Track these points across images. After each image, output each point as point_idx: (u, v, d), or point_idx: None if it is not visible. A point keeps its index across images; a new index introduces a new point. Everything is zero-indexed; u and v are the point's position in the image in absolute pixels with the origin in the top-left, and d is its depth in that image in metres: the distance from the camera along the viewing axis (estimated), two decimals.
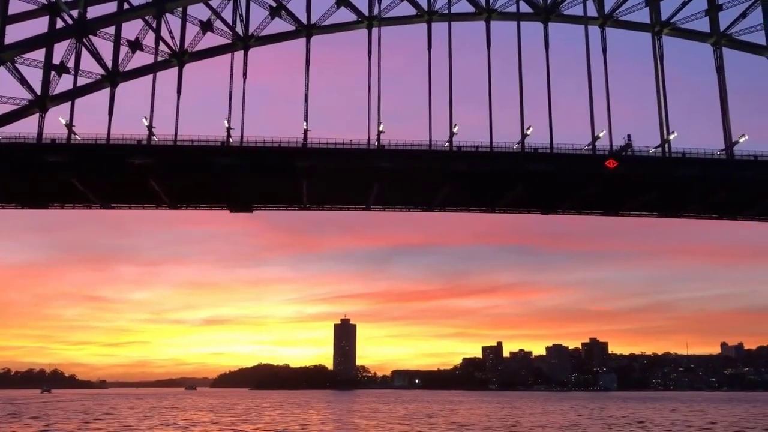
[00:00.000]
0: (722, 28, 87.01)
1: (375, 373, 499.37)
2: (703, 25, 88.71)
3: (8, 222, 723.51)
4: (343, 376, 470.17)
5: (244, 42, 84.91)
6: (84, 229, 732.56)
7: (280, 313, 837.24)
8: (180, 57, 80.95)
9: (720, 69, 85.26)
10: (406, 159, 76.45)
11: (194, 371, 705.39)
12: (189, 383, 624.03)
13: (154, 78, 78.46)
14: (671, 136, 76.71)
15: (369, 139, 76.57)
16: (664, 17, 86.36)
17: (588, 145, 76.93)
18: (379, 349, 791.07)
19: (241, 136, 75.43)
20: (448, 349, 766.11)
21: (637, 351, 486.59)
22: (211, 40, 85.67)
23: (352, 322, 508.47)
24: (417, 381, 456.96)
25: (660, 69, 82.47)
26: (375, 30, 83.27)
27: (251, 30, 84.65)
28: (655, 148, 79.00)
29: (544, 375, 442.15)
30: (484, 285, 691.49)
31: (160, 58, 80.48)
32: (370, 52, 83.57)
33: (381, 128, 76.37)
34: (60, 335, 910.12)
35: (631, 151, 77.48)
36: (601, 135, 75.89)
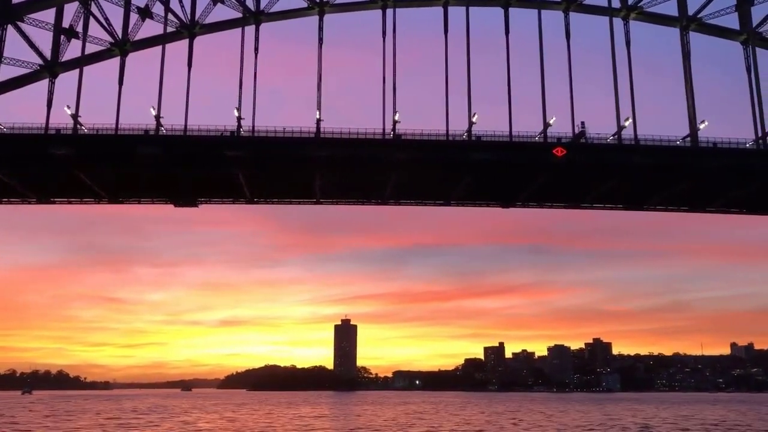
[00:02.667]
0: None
1: (376, 374, 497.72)
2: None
3: (27, 223, 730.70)
4: (344, 377, 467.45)
5: (189, 30, 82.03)
6: (101, 230, 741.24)
7: (295, 314, 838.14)
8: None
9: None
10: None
11: (209, 372, 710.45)
12: (200, 384, 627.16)
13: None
14: (626, 122, 72.26)
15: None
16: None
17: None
18: (388, 350, 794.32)
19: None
20: (458, 349, 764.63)
21: (645, 351, 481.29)
22: (153, 28, 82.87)
23: (353, 322, 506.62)
24: (417, 382, 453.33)
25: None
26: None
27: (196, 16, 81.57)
28: (612, 136, 74.66)
29: (545, 376, 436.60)
30: (497, 285, 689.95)
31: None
32: (321, 40, 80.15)
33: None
34: (78, 336, 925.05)
35: (585, 139, 73.24)
36: (551, 122, 71.75)
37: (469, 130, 72.73)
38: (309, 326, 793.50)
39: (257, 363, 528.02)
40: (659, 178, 75.60)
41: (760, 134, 76.19)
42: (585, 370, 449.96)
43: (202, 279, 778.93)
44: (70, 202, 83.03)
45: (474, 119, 71.48)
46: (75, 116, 70.07)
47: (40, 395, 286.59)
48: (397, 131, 71.45)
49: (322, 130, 71.72)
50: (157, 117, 69.94)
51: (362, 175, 75.13)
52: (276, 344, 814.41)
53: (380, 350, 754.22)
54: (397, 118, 71.93)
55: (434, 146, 71.83)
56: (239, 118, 70.47)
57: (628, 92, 76.29)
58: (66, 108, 69.85)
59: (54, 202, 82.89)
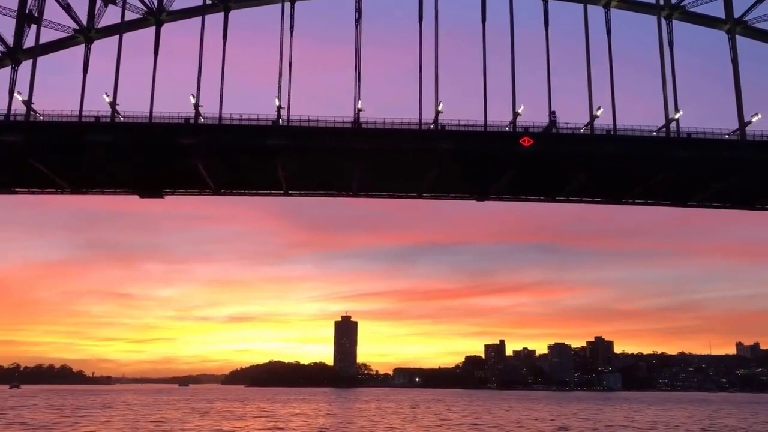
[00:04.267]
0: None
1: (377, 371, 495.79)
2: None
3: (38, 219, 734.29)
4: (343, 373, 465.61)
5: (155, 17, 79.81)
6: (112, 226, 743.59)
7: (304, 310, 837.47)
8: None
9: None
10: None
11: (217, 368, 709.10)
12: (207, 380, 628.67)
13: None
14: (598, 111, 69.36)
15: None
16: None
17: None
18: (394, 347, 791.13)
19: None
20: (462, 347, 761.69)
21: (651, 351, 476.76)
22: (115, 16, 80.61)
23: (353, 319, 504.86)
24: (417, 379, 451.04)
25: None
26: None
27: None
28: (585, 126, 71.82)
29: (545, 374, 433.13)
30: (505, 284, 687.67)
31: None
32: (292, 27, 77.64)
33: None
34: (88, 331, 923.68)
35: (556, 129, 70.45)
36: (520, 110, 69.01)
37: (435, 120, 70.21)
38: (317, 323, 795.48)
39: (264, 359, 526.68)
40: (634, 170, 72.87)
41: (743, 126, 73.46)
42: (586, 369, 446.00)
43: (211, 275, 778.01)
44: (31, 192, 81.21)
45: (440, 108, 68.94)
46: (27, 103, 67.99)
47: (28, 389, 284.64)
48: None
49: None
50: (113, 104, 67.74)
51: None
52: (284, 341, 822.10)
53: (386, 347, 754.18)
54: (360, 105, 69.53)
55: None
56: (197, 105, 68.12)
57: (603, 82, 73.86)
58: (17, 94, 67.77)
59: (16, 192, 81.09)
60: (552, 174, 74.41)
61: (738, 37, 77.96)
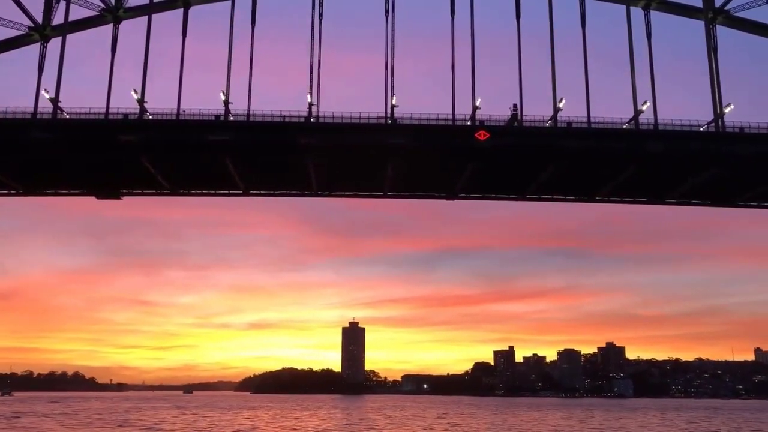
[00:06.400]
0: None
1: (385, 378, 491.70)
2: None
3: (62, 227, 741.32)
4: (351, 380, 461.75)
5: (112, 13, 77.85)
6: (134, 234, 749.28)
7: (322, 317, 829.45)
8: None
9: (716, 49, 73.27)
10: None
11: (235, 375, 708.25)
12: (225, 387, 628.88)
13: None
14: (560, 103, 65.94)
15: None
16: None
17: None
18: (408, 354, 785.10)
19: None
20: (475, 354, 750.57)
21: (664, 357, 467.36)
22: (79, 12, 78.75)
23: (360, 325, 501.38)
24: (425, 386, 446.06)
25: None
26: None
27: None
28: (550, 119, 68.32)
29: (553, 381, 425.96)
30: (525, 289, 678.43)
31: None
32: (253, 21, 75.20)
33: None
34: (110, 339, 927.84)
35: (517, 123, 67.03)
36: (478, 103, 65.81)
37: (391, 114, 67.24)
38: (335, 330, 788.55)
39: (280, 366, 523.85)
40: (603, 165, 69.31)
41: (718, 117, 69.61)
42: (597, 375, 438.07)
43: (232, 282, 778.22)
44: None
45: (393, 101, 65.99)
46: None
47: (21, 396, 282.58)
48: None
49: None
50: (54, 100, 65.64)
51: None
52: (302, 347, 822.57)
53: (400, 354, 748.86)
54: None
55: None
56: (140, 101, 65.78)
57: (572, 75, 70.71)
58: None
59: None
60: (517, 170, 71.07)
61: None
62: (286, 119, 65.34)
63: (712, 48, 75.23)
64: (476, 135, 62.49)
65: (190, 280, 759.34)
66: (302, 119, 64.95)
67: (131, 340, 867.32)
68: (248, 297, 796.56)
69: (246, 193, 77.42)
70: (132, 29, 78.60)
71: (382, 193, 78.52)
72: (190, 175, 73.94)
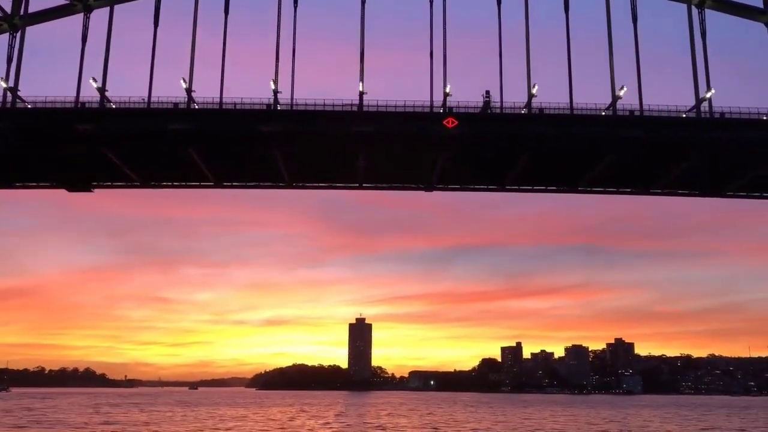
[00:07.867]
0: None
1: (392, 374, 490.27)
2: None
3: (80, 226, 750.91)
4: (357, 376, 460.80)
5: (82, 3, 76.25)
6: (151, 231, 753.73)
7: (337, 313, 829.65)
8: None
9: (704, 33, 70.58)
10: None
11: (251, 371, 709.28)
12: (238, 383, 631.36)
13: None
14: (534, 89, 63.38)
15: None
16: None
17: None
18: (417, 351, 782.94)
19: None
20: (483, 350, 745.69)
21: (675, 353, 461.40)
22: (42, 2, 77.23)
23: (367, 321, 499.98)
24: (432, 382, 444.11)
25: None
26: None
27: None
28: (525, 107, 65.73)
29: (561, 377, 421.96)
30: (541, 286, 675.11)
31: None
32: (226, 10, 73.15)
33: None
34: (128, 335, 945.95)
35: (490, 110, 64.63)
36: (448, 90, 63.43)
37: (360, 102, 65.10)
38: (344, 326, 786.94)
39: (293, 362, 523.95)
40: (580, 153, 66.74)
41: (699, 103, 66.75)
42: (605, 372, 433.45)
43: (248, 279, 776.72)
44: None
45: (361, 88, 63.89)
46: None
47: (18, 392, 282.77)
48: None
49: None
50: (12, 89, 64.14)
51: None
52: (316, 344, 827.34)
53: (409, 350, 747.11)
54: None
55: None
56: (101, 89, 64.03)
57: (550, 62, 68.23)
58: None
59: None
60: (490, 159, 68.61)
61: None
62: (249, 108, 63.27)
63: (701, 32, 72.45)
64: (444, 122, 60.06)
65: (206, 278, 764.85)
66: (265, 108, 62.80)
67: (148, 336, 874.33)
68: (264, 294, 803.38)
69: (218, 185, 75.77)
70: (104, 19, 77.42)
71: (357, 185, 76.63)
72: (158, 167, 72.27)
